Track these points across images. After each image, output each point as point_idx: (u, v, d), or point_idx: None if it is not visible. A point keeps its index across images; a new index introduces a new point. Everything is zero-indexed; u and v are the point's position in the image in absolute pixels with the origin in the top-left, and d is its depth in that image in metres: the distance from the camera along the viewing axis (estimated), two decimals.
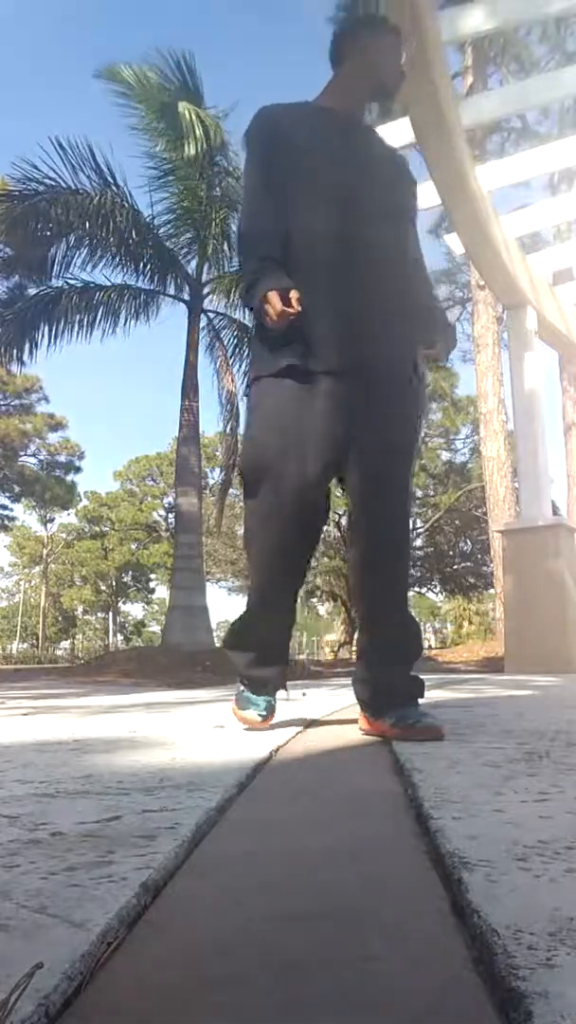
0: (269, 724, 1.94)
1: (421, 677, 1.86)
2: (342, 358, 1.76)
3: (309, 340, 1.74)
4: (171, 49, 9.55)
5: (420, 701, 1.83)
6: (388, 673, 1.83)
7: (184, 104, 9.05)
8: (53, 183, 9.27)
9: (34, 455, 28.39)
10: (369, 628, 1.91)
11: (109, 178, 9.52)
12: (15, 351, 10.31)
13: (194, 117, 8.94)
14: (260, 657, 1.95)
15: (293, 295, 1.67)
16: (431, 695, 3.45)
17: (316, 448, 1.74)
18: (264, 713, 1.93)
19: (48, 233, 9.50)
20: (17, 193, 9.21)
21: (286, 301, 1.67)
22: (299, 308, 1.67)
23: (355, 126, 1.99)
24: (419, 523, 29.90)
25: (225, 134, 9.61)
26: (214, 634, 11.49)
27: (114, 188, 9.58)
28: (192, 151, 9.10)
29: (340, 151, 1.88)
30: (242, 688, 1.98)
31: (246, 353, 10.90)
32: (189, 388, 10.26)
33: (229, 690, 4.77)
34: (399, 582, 1.87)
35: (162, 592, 42.44)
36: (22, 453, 27.52)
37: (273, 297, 1.67)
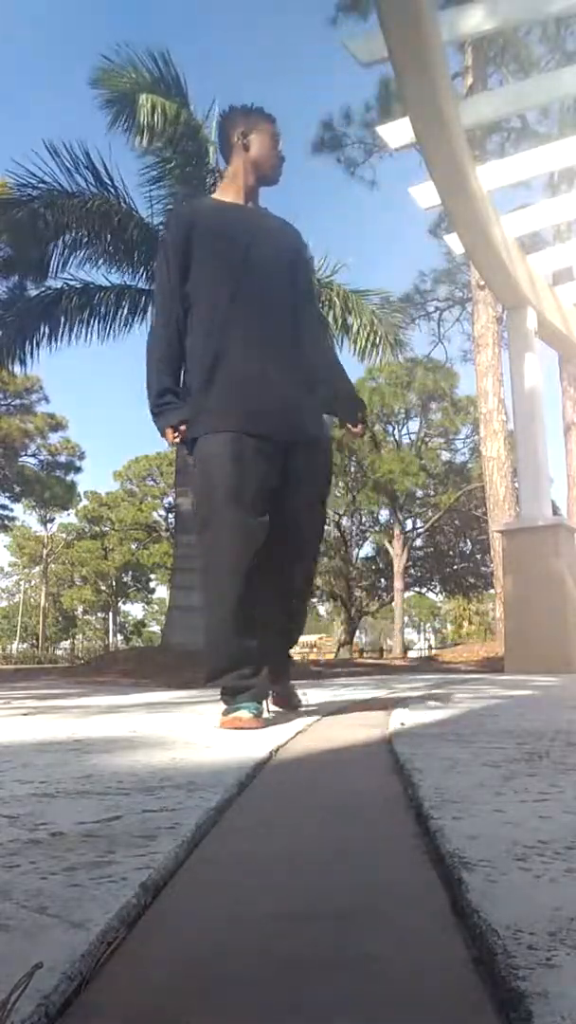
0: (262, 724, 2.00)
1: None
2: (257, 423, 2.08)
3: (228, 404, 2.08)
4: (157, 46, 9.51)
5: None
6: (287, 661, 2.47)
7: (146, 95, 8.99)
8: (49, 187, 9.28)
9: (34, 455, 28.41)
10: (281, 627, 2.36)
11: (106, 179, 9.53)
12: (15, 351, 10.31)
13: (156, 108, 8.88)
14: (239, 674, 2.08)
15: (182, 428, 2.10)
16: (432, 695, 3.45)
17: (252, 497, 2.06)
18: (255, 712, 2.01)
19: (46, 234, 9.48)
20: (14, 198, 9.21)
21: (178, 430, 2.11)
22: (179, 436, 2.10)
23: (252, 216, 2.29)
24: (419, 523, 29.93)
25: (208, 130, 9.60)
26: None
27: (111, 189, 9.58)
28: (144, 143, 9.08)
29: (241, 242, 2.18)
30: (226, 701, 2.09)
31: None
32: None
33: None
34: (304, 611, 2.46)
35: (162, 592, 42.48)
36: (22, 453, 27.53)
37: (169, 434, 2.12)
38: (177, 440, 2.11)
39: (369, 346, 9.97)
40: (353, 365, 19.44)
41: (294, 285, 2.23)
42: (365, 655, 34.98)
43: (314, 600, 36.74)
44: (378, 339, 9.91)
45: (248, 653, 2.09)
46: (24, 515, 38.79)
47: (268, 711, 2.25)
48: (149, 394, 2.16)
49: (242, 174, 2.29)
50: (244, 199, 2.29)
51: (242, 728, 1.94)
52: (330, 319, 9.78)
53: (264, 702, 2.12)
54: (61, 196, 9.30)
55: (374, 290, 10.50)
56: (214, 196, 2.36)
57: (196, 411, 2.10)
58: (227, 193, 2.31)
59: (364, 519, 31.38)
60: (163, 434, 2.14)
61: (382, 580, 32.29)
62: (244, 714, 1.97)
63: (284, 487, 2.15)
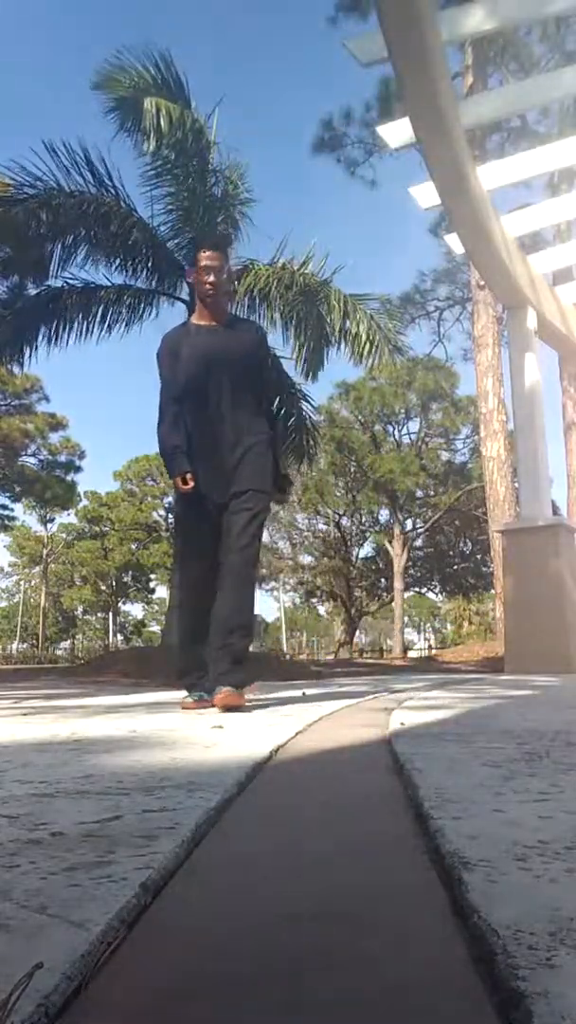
0: (205, 706, 2.74)
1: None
2: (209, 488, 2.86)
3: (197, 478, 2.84)
4: (158, 47, 9.49)
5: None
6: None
7: (150, 99, 9.00)
8: (47, 186, 9.27)
9: (34, 455, 28.40)
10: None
11: (106, 179, 9.52)
12: (15, 351, 10.30)
13: (162, 112, 8.89)
14: (194, 674, 2.92)
15: (189, 477, 2.82)
16: (432, 695, 3.45)
17: (208, 534, 2.90)
18: (197, 698, 2.82)
19: (45, 233, 9.48)
20: (11, 196, 9.20)
21: (186, 480, 2.83)
22: (192, 484, 2.81)
23: (213, 332, 2.98)
24: (419, 523, 29.92)
25: (209, 130, 9.60)
26: None
27: (111, 189, 9.57)
28: (152, 146, 9.09)
29: (202, 354, 2.92)
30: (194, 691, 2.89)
31: None
32: None
33: None
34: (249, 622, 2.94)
35: (162, 592, 42.47)
36: (23, 453, 27.52)
37: (178, 481, 2.85)
38: (189, 487, 2.80)
39: (368, 350, 9.97)
40: (352, 367, 19.40)
41: (239, 383, 2.92)
42: (365, 655, 34.99)
43: (314, 600, 36.76)
44: (376, 345, 9.91)
45: (196, 661, 2.94)
46: (24, 515, 38.79)
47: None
48: (163, 448, 2.93)
49: (198, 302, 3.07)
50: (210, 319, 3.01)
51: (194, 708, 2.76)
52: (328, 322, 9.78)
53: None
54: (60, 195, 9.29)
55: (374, 295, 10.51)
56: (192, 319, 3.09)
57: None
58: (200, 316, 3.05)
59: (364, 519, 31.36)
60: (173, 476, 2.88)
61: (382, 580, 32.29)
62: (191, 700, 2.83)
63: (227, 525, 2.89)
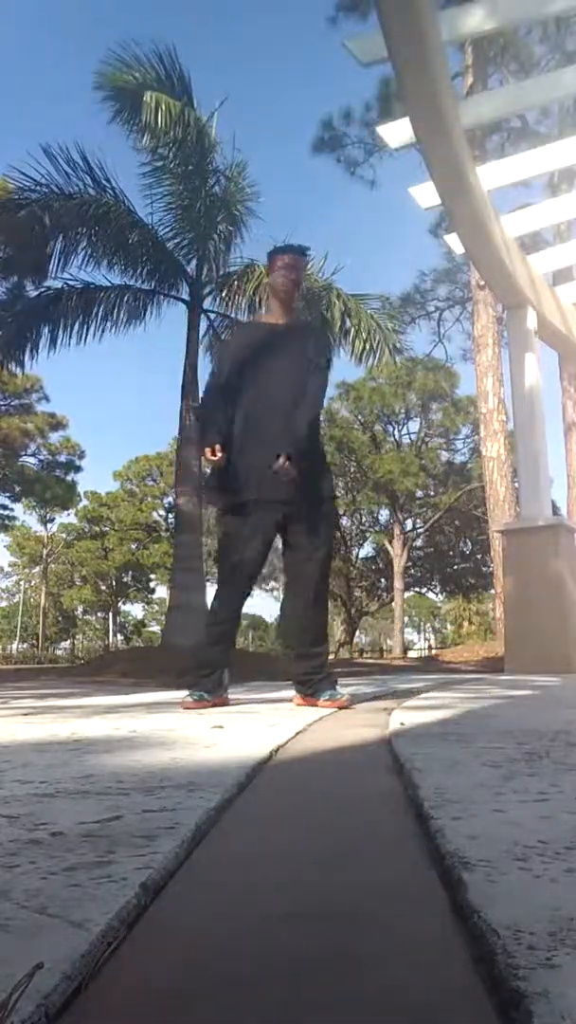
0: (205, 706, 2.80)
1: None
2: (262, 491, 2.85)
3: (244, 480, 2.89)
4: (159, 45, 9.47)
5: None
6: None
7: (151, 93, 9.00)
8: (47, 189, 9.27)
9: (34, 455, 28.38)
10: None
11: (104, 181, 9.52)
12: (16, 352, 10.30)
13: (161, 108, 8.89)
14: (214, 673, 2.94)
15: (219, 449, 2.86)
16: (432, 695, 3.45)
17: (258, 550, 2.91)
18: (197, 698, 2.84)
19: (46, 235, 9.48)
20: (14, 200, 9.21)
21: (214, 452, 2.88)
22: (219, 456, 2.86)
23: (277, 330, 3.09)
24: (419, 523, 29.91)
25: (211, 129, 9.59)
26: None
27: (110, 191, 9.57)
28: (151, 141, 9.09)
29: (263, 352, 3.02)
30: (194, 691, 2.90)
31: None
32: (189, 388, 10.25)
33: (229, 690, 4.76)
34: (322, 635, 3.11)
35: (162, 592, 42.45)
36: (23, 453, 27.50)
37: (207, 452, 2.91)
38: (217, 456, 2.85)
39: (367, 350, 9.98)
40: (353, 367, 19.41)
41: (295, 381, 2.95)
42: (365, 655, 34.97)
43: None
44: (376, 344, 9.92)
45: (221, 662, 2.98)
46: (24, 515, 38.78)
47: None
48: (201, 420, 3.15)
49: (271, 297, 3.18)
50: (276, 317, 3.13)
51: (198, 708, 2.77)
52: (329, 322, 9.80)
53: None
54: (59, 198, 9.29)
55: (374, 295, 10.52)
56: (260, 315, 3.26)
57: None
58: (269, 314, 3.20)
59: (364, 519, 31.35)
60: (203, 449, 2.92)
61: (382, 580, 32.27)
62: (198, 699, 2.83)
63: (289, 542, 3.00)
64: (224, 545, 3.01)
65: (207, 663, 2.97)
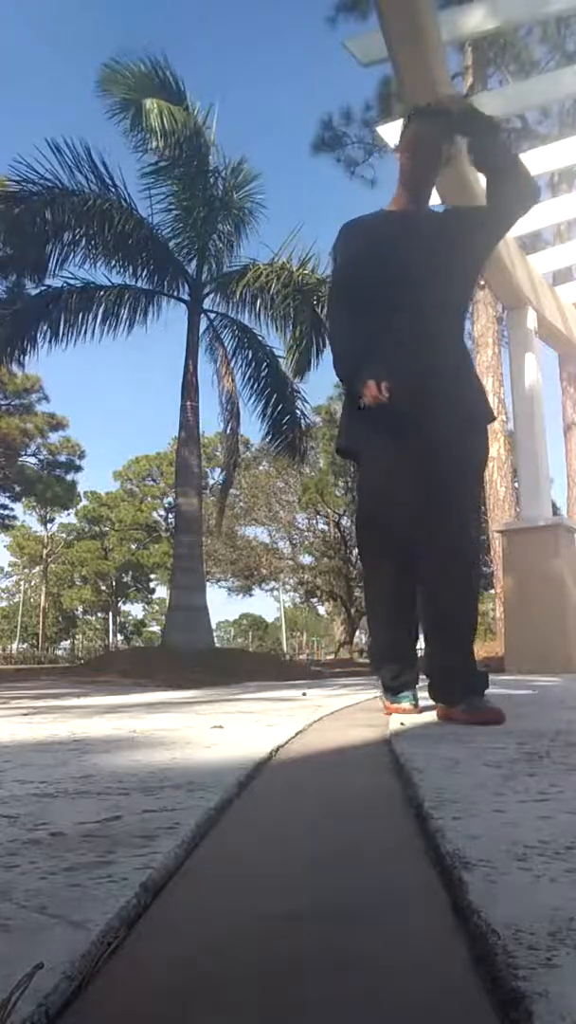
0: (419, 710, 2.29)
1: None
2: (415, 401, 2.14)
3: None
4: (155, 47, 9.54)
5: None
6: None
7: (152, 100, 9.03)
8: (50, 184, 9.27)
9: (34, 455, 28.39)
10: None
11: (107, 179, 9.52)
12: (15, 351, 10.30)
13: (164, 112, 8.92)
14: (397, 668, 2.34)
15: (384, 385, 2.08)
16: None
17: (406, 507, 2.21)
18: (415, 702, 2.31)
19: (47, 231, 9.47)
20: (15, 193, 9.19)
21: (379, 389, 2.09)
22: (388, 395, 2.08)
23: (411, 220, 2.41)
24: None
25: (207, 131, 9.62)
26: (214, 634, 11.48)
27: (112, 189, 9.57)
28: (158, 145, 9.12)
29: (401, 246, 2.33)
30: (387, 691, 2.38)
31: (247, 354, 10.93)
32: (189, 388, 10.26)
33: (229, 690, 4.77)
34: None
35: (162, 592, 42.46)
36: (23, 453, 27.51)
37: (371, 387, 2.10)
38: (384, 396, 2.09)
39: None
40: None
41: (438, 280, 2.30)
42: (365, 655, 34.96)
43: (314, 600, 36.75)
44: None
45: (402, 657, 2.35)
46: (24, 515, 38.79)
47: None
48: (342, 355, 2.34)
49: (399, 184, 2.48)
50: (406, 205, 2.46)
51: (403, 713, 2.26)
52: (323, 319, 9.81)
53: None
54: (61, 194, 9.29)
55: None
56: (385, 208, 2.51)
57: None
58: (396, 201, 2.49)
59: None
60: (361, 387, 2.14)
61: None
62: (405, 704, 2.30)
63: (436, 500, 2.23)
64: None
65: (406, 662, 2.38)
